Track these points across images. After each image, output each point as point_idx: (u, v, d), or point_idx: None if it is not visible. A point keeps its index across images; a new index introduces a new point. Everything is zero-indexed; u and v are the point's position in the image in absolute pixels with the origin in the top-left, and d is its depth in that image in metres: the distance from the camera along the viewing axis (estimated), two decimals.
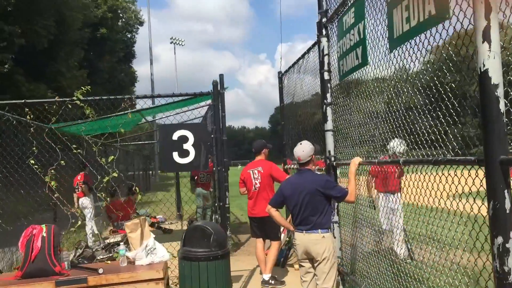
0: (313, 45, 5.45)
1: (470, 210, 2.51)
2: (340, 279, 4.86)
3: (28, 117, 4.84)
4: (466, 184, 2.44)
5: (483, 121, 2.13)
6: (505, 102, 2.11)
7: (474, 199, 2.37)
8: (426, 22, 2.69)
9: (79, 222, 5.12)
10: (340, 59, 4.46)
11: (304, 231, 3.98)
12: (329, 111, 4.86)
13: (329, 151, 4.85)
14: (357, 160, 4.01)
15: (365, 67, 3.85)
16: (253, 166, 5.99)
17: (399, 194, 5.86)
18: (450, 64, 2.63)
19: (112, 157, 4.91)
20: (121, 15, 33.92)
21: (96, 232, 8.74)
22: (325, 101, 4.87)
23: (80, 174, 9.32)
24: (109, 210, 8.90)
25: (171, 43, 55.81)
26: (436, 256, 3.21)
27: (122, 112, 5.06)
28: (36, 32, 18.02)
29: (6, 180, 5.47)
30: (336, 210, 4.89)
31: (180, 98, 5.65)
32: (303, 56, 6.05)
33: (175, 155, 4.85)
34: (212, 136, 5.23)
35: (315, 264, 3.95)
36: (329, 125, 4.87)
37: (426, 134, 2.88)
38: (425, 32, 2.77)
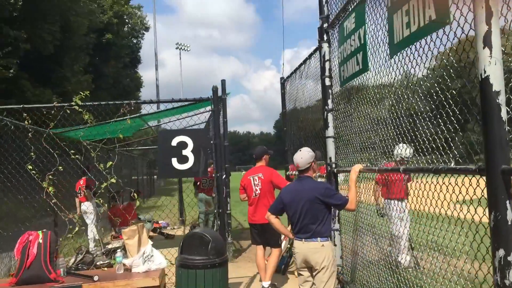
0: (315, 51, 5.40)
1: (472, 219, 2.43)
2: None
3: (26, 122, 4.82)
4: (467, 193, 2.37)
5: (484, 129, 2.06)
6: (507, 109, 2.05)
7: (475, 208, 2.30)
8: (427, 27, 2.63)
9: (77, 228, 5.08)
10: (341, 65, 4.41)
11: (303, 239, 3.91)
12: (330, 117, 4.79)
13: (330, 158, 4.78)
14: (357, 167, 3.94)
15: (366, 73, 3.79)
16: (253, 172, 5.93)
17: (406, 201, 5.78)
18: (451, 70, 2.57)
19: (111, 162, 4.87)
20: (127, 20, 34.10)
21: (97, 237, 8.69)
22: (326, 107, 4.80)
23: (82, 179, 9.29)
24: (110, 216, 8.87)
25: (176, 48, 56.02)
26: (436, 265, 3.13)
27: (121, 118, 5.02)
28: (42, 38, 18.11)
29: (3, 185, 5.44)
30: (337, 217, 4.82)
31: (180, 103, 5.60)
32: (304, 61, 6.00)
33: (174, 161, 4.80)
34: (212, 142, 5.18)
35: (314, 273, 3.87)
36: (330, 131, 4.80)
37: (427, 142, 2.81)
38: (425, 38, 2.71)
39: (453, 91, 2.53)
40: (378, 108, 3.82)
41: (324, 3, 4.85)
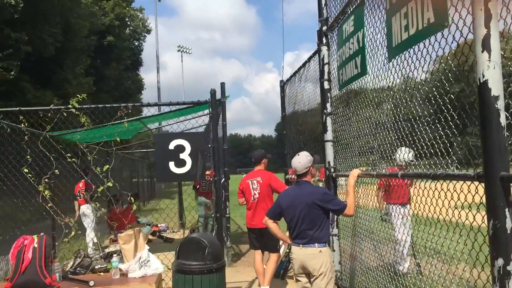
0: (314, 54, 5.36)
1: (470, 227, 2.37)
2: None
3: (22, 124, 4.78)
4: (466, 200, 2.32)
5: (482, 135, 2.01)
6: (506, 115, 2.00)
7: (474, 216, 2.25)
8: (425, 30, 2.59)
9: (73, 233, 5.03)
10: (340, 68, 4.36)
11: (300, 245, 3.86)
12: (329, 121, 4.75)
13: (329, 162, 4.74)
14: (356, 172, 3.88)
15: (364, 76, 3.74)
16: (252, 176, 5.88)
17: (408, 206, 5.69)
18: (450, 74, 2.52)
19: (107, 166, 4.83)
20: (128, 23, 34.13)
21: (96, 241, 8.65)
22: (325, 110, 4.76)
23: (82, 181, 9.25)
24: (112, 218, 8.82)
25: (178, 51, 56.07)
26: (435, 273, 3.07)
27: (118, 122, 4.98)
28: (43, 39, 18.14)
29: (0, 189, 5.40)
30: (335, 222, 4.77)
31: (178, 106, 5.56)
32: (304, 65, 5.96)
33: (172, 165, 4.76)
34: (210, 145, 5.13)
35: (312, 279, 3.82)
36: (328, 135, 4.75)
37: (425, 147, 2.76)
38: (424, 41, 2.66)
39: (452, 96, 2.48)
40: (376, 112, 3.77)
41: (323, 5, 4.81)
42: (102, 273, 4.49)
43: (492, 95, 1.97)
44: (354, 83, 4.03)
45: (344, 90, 4.46)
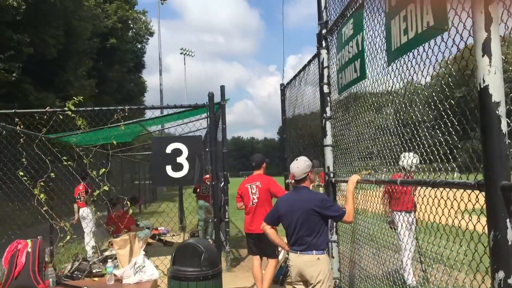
0: (313, 57, 5.30)
1: (471, 237, 2.30)
2: None
3: (18, 127, 4.73)
4: (466, 209, 2.25)
5: (483, 143, 1.94)
6: (507, 121, 1.92)
7: (474, 225, 2.17)
8: (424, 34, 2.52)
9: (68, 237, 4.97)
10: (339, 72, 4.30)
11: (298, 252, 3.79)
12: (328, 125, 4.67)
13: (328, 167, 4.66)
14: (355, 178, 3.81)
15: (364, 80, 3.67)
16: (251, 180, 5.82)
17: (414, 213, 5.58)
18: (450, 79, 2.45)
19: (104, 169, 4.78)
20: (131, 25, 34.17)
21: (95, 244, 8.59)
22: (324, 115, 4.69)
23: (82, 184, 9.21)
24: (108, 222, 8.77)
25: (181, 53, 56.15)
26: (435, 284, 3.00)
27: (115, 125, 4.92)
28: (45, 41, 18.14)
29: None
30: (334, 228, 4.69)
31: (177, 110, 5.50)
32: (304, 68, 5.90)
33: (168, 168, 4.69)
34: (207, 149, 5.07)
35: (309, 287, 3.74)
36: (328, 140, 4.68)
37: (424, 154, 2.69)
38: (423, 45, 2.60)
39: (452, 101, 2.41)
40: (376, 117, 3.70)
41: (323, 8, 4.74)
42: (96, 279, 4.43)
43: (493, 101, 1.90)
44: (353, 87, 3.96)
45: (345, 94, 4.40)
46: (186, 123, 6.20)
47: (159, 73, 36.58)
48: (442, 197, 2.49)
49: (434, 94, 2.58)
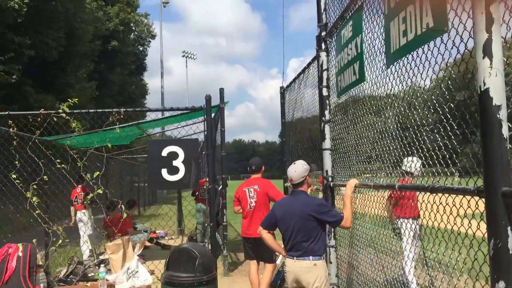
0: (313, 60, 5.24)
1: (470, 244, 2.22)
2: None
3: (11, 129, 4.66)
4: (465, 216, 2.17)
5: (483, 147, 1.86)
6: (509, 125, 1.85)
7: (474, 232, 2.09)
8: (424, 36, 2.45)
9: (60, 241, 4.89)
10: (338, 75, 4.23)
11: (295, 258, 3.72)
12: (327, 129, 4.60)
13: (327, 171, 4.58)
14: (353, 182, 3.73)
15: (363, 83, 3.60)
16: (249, 184, 5.75)
17: (419, 219, 5.43)
18: (449, 82, 2.38)
19: (98, 172, 4.71)
20: (133, 28, 34.21)
21: (91, 247, 8.52)
22: (323, 118, 4.61)
23: (79, 186, 9.14)
24: (105, 225, 8.70)
25: (183, 56, 56.17)
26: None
27: (110, 128, 4.86)
28: (46, 44, 18.15)
29: None
30: (332, 233, 4.61)
31: (174, 112, 5.43)
32: (303, 71, 5.83)
33: (164, 172, 4.62)
34: (204, 152, 5.00)
35: None
36: (327, 143, 4.60)
37: (423, 158, 2.62)
38: (423, 47, 2.53)
39: (451, 104, 2.34)
40: (375, 121, 3.64)
41: (322, 11, 4.68)
42: (89, 283, 4.35)
43: (493, 104, 1.82)
44: (352, 89, 3.90)
45: (344, 97, 4.33)
46: (183, 127, 6.13)
47: (161, 75, 36.56)
48: (441, 203, 2.41)
49: (433, 97, 2.51)
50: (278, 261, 6.08)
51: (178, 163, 4.61)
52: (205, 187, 5.30)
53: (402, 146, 2.99)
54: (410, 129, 2.79)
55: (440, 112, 2.38)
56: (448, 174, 2.38)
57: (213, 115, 7.94)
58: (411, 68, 2.72)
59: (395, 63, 2.94)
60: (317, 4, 4.74)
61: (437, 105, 2.47)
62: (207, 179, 5.41)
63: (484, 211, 1.90)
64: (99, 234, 7.82)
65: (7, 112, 4.58)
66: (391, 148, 3.19)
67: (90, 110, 4.64)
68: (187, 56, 56.44)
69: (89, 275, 6.91)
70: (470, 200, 2.10)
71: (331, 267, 4.53)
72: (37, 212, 4.60)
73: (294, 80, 6.50)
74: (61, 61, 19.82)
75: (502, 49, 1.86)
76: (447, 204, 2.35)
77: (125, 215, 5.08)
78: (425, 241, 5.04)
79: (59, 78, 20.27)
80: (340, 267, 4.68)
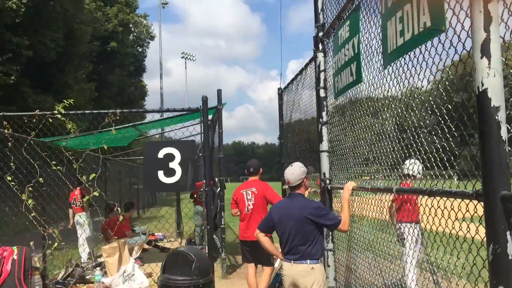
0: (310, 61, 5.20)
1: (469, 249, 2.17)
2: None
3: (6, 130, 4.61)
4: (464, 220, 2.13)
5: (481, 150, 1.81)
6: (507, 127, 1.80)
7: (472, 237, 2.05)
8: (421, 35, 2.41)
9: (56, 244, 4.84)
10: (335, 76, 4.19)
11: (292, 261, 3.68)
12: (324, 130, 4.55)
13: (324, 173, 4.53)
14: (350, 185, 3.68)
15: (360, 84, 3.56)
16: (246, 186, 5.70)
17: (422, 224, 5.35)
18: (447, 82, 2.34)
19: (94, 174, 4.66)
20: (132, 29, 34.18)
21: (89, 250, 8.46)
22: (320, 120, 4.57)
23: (77, 189, 9.08)
24: (104, 228, 8.64)
25: (182, 57, 56.16)
26: None
27: (106, 129, 4.81)
28: (45, 44, 18.11)
29: None
30: (330, 236, 4.56)
31: (172, 113, 5.38)
32: (301, 72, 5.79)
33: (160, 174, 4.57)
34: (200, 154, 4.95)
35: None
36: (324, 145, 4.56)
37: (421, 161, 2.58)
38: (420, 47, 2.48)
39: (449, 106, 2.29)
40: (372, 122, 3.59)
41: (319, 11, 4.64)
42: (85, 287, 4.30)
43: (492, 105, 1.78)
44: (349, 91, 3.85)
45: (341, 99, 4.28)
46: (179, 128, 6.08)
47: (160, 77, 36.60)
48: (439, 206, 2.37)
49: (431, 98, 2.47)
50: (276, 264, 6.02)
51: (174, 165, 4.56)
52: (202, 189, 5.24)
53: (400, 148, 2.94)
54: (408, 131, 2.74)
55: (438, 113, 2.34)
56: (446, 177, 2.33)
57: (211, 116, 7.90)
58: (408, 69, 2.68)
59: (392, 64, 2.90)
60: (315, 4, 4.70)
61: (434, 106, 2.43)
62: (204, 181, 5.36)
63: (483, 215, 1.86)
64: (96, 237, 7.77)
65: (1, 113, 4.54)
66: (388, 150, 3.14)
67: (85, 111, 4.60)
68: (187, 57, 56.45)
69: (87, 277, 6.86)
70: (468, 203, 2.06)
71: (329, 270, 4.48)
72: (32, 214, 4.55)
73: (291, 81, 6.46)
74: (60, 61, 19.79)
75: (501, 49, 1.82)
76: (445, 208, 2.30)
77: (121, 217, 5.02)
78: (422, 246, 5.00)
79: (58, 79, 20.23)
80: (338, 270, 4.63)
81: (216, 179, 7.73)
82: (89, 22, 22.31)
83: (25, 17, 16.79)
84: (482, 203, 1.88)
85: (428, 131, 2.49)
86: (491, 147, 1.77)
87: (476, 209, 1.97)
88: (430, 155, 2.44)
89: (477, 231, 1.97)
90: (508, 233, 1.76)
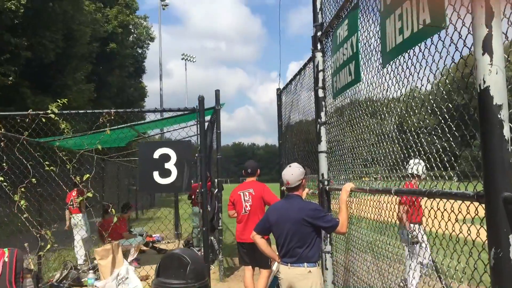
0: (309, 61, 5.13)
1: (470, 253, 2.10)
2: None
3: None
4: (464, 222, 2.06)
5: (483, 150, 1.75)
6: (510, 126, 1.73)
7: (473, 240, 1.98)
8: (421, 33, 2.34)
9: (49, 246, 4.76)
10: (334, 75, 4.12)
11: (289, 264, 3.60)
12: (323, 131, 4.49)
13: (322, 174, 4.46)
14: (348, 186, 3.61)
15: (358, 84, 3.49)
16: (244, 187, 5.63)
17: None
18: (447, 81, 2.27)
19: (88, 175, 4.59)
20: (132, 30, 34.15)
21: (85, 251, 8.39)
22: (319, 120, 4.50)
23: (74, 190, 9.00)
24: (101, 229, 8.56)
25: (182, 59, 56.14)
26: None
27: (101, 130, 4.74)
28: (44, 45, 18.07)
29: None
30: (328, 238, 4.48)
31: (170, 114, 5.31)
32: (299, 72, 5.72)
33: (156, 174, 4.50)
34: (197, 155, 4.88)
35: None
36: (322, 146, 4.49)
37: (423, 161, 2.51)
38: (419, 44, 2.42)
39: (450, 105, 2.23)
40: (371, 122, 3.52)
41: (318, 10, 4.58)
42: None
43: (494, 103, 1.71)
44: (348, 90, 3.78)
45: (340, 98, 4.22)
46: (176, 129, 6.01)
47: (160, 78, 36.48)
48: (439, 208, 2.30)
49: (431, 97, 2.40)
50: (274, 267, 5.95)
51: (170, 165, 4.49)
52: (198, 190, 5.17)
53: (399, 148, 2.88)
54: (408, 131, 2.67)
55: (438, 113, 2.27)
56: (447, 178, 2.26)
57: (209, 117, 7.83)
58: (407, 67, 2.62)
59: (391, 62, 2.83)
60: (313, 3, 4.64)
61: (434, 105, 2.37)
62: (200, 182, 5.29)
63: (484, 217, 1.79)
64: (90, 238, 7.69)
65: None
66: (388, 150, 3.07)
67: (79, 111, 4.54)
68: (187, 59, 56.41)
69: (82, 280, 6.79)
70: (469, 205, 1.99)
71: (327, 273, 4.40)
72: (25, 216, 4.47)
73: (290, 81, 6.39)
74: (59, 62, 19.74)
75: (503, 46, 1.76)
76: (445, 209, 2.24)
77: (115, 218, 4.94)
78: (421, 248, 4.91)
79: (57, 79, 20.18)
80: (336, 273, 4.56)
81: (215, 180, 7.66)
82: (88, 23, 22.27)
83: (24, 18, 16.75)
84: (483, 205, 1.81)
85: (428, 131, 2.42)
86: (493, 146, 1.70)
87: (478, 211, 1.90)
88: (430, 156, 2.37)
89: (478, 234, 1.90)
90: (510, 236, 1.69)
